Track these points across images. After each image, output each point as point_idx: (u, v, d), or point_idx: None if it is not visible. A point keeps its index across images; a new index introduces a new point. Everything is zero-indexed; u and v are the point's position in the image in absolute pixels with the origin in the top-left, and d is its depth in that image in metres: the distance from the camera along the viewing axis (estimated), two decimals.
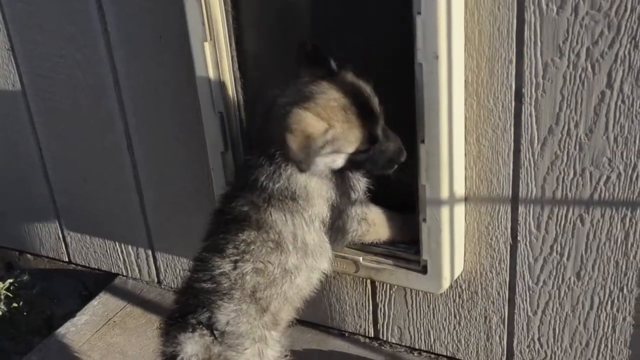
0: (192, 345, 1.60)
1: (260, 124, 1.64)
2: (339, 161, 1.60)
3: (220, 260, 1.62)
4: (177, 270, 2.27)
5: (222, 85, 1.82)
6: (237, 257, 1.61)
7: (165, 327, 1.68)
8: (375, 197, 1.72)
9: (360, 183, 1.69)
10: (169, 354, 1.62)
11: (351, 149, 1.57)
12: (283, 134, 1.51)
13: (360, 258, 1.81)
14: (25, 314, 2.42)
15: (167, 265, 2.30)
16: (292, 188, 1.60)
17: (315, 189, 1.62)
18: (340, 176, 1.64)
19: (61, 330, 2.21)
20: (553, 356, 1.82)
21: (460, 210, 1.72)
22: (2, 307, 2.44)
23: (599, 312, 1.72)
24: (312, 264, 1.67)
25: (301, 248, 1.64)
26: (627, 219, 1.60)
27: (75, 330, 2.21)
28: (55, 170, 2.34)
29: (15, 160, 2.39)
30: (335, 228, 1.69)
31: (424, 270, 1.75)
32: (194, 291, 1.64)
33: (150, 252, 2.30)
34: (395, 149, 1.60)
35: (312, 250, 1.66)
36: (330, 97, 1.54)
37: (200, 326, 1.60)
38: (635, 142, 1.52)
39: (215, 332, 1.60)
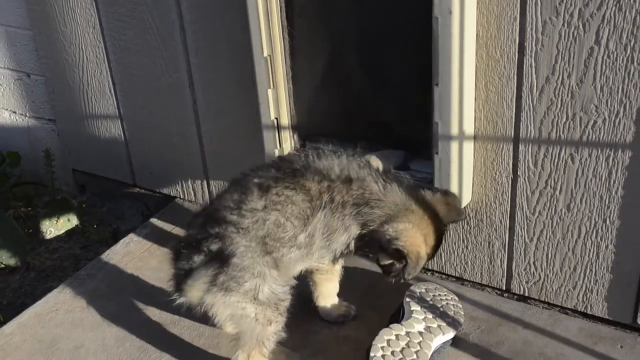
0: (201, 264, 1.80)
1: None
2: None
3: (257, 200, 1.83)
4: None
5: (270, 32, 2.12)
6: (272, 204, 1.83)
7: (178, 250, 1.87)
8: None
9: None
10: (184, 268, 1.81)
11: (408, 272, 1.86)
12: (394, 247, 1.81)
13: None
14: (94, 226, 2.78)
15: (218, 190, 2.61)
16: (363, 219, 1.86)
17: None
18: None
19: (125, 239, 2.56)
20: (546, 279, 2.10)
21: (469, 147, 2.00)
22: (76, 220, 2.80)
23: (586, 240, 1.98)
24: (306, 255, 1.91)
25: (309, 244, 1.88)
26: (611, 159, 1.85)
27: (138, 240, 2.56)
28: (125, 102, 2.67)
29: (91, 91, 2.73)
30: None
31: None
32: (215, 218, 1.84)
33: (204, 178, 2.63)
34: (410, 277, 1.88)
35: (314, 251, 1.90)
36: (437, 223, 1.87)
37: (211, 254, 1.80)
38: (618, 91, 1.77)
39: (222, 261, 1.79)
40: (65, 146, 2.93)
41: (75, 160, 2.95)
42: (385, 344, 1.96)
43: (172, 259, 1.90)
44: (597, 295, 2.03)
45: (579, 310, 2.08)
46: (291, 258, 1.89)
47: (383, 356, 1.94)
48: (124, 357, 2.11)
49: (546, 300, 2.12)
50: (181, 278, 1.83)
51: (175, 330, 2.18)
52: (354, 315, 2.15)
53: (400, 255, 1.83)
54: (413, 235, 1.83)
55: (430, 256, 1.90)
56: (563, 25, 1.77)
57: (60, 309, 2.30)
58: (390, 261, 1.89)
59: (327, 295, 2.14)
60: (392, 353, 1.95)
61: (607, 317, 2.05)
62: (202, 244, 1.82)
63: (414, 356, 1.94)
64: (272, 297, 1.85)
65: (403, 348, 1.96)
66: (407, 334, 1.99)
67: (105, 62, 2.62)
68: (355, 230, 1.88)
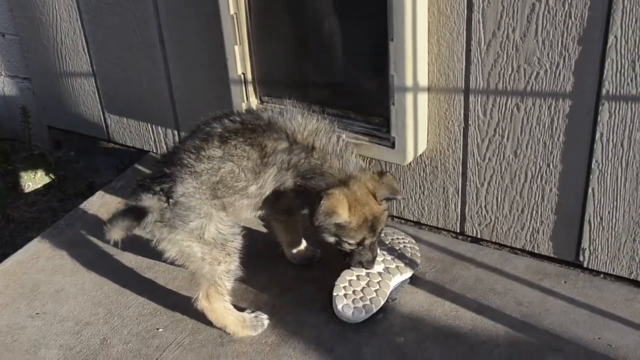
0: (149, 201, 1.92)
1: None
2: (332, 239, 2.03)
3: (217, 149, 1.95)
4: None
5: None
6: (230, 155, 1.95)
7: (133, 188, 2.00)
8: None
9: None
10: (130, 205, 1.94)
11: (347, 240, 2.00)
12: (319, 195, 1.92)
13: (344, 135, 2.24)
14: (71, 180, 2.90)
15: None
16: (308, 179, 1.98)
17: None
18: None
19: (101, 191, 2.68)
20: (496, 221, 2.25)
21: (423, 98, 2.14)
22: (52, 175, 2.91)
23: (532, 184, 2.14)
24: (255, 203, 2.04)
25: (260, 194, 2.02)
26: (553, 107, 2.00)
27: (113, 191, 2.68)
28: (98, 60, 2.76)
29: (65, 50, 2.82)
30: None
31: (392, 145, 2.17)
32: (174, 159, 1.97)
33: (176, 132, 2.75)
34: (369, 259, 2.05)
35: (262, 200, 2.04)
36: (367, 198, 1.97)
37: (161, 193, 1.93)
38: (558, 45, 1.91)
39: (170, 200, 1.91)
40: (41, 104, 3.03)
41: (50, 117, 3.04)
42: (347, 284, 2.12)
43: (126, 197, 2.02)
44: (543, 235, 2.19)
45: (526, 249, 2.24)
46: (243, 204, 2.03)
47: (345, 295, 2.09)
48: (103, 299, 2.25)
49: (497, 241, 2.28)
50: (126, 213, 1.94)
51: (150, 274, 2.31)
52: (318, 259, 2.30)
53: (318, 201, 1.94)
54: (338, 198, 1.94)
55: (358, 225, 1.98)
56: None
57: (41, 256, 2.43)
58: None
59: (291, 242, 2.27)
60: (354, 292, 2.10)
61: (552, 255, 2.21)
62: (154, 183, 1.95)
63: (374, 294, 2.09)
64: (218, 237, 1.97)
65: (363, 287, 2.11)
66: (368, 274, 2.15)
67: (78, 21, 2.72)
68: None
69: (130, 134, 2.86)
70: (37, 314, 2.22)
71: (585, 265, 2.16)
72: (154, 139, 2.81)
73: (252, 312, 2.12)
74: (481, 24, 1.98)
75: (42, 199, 2.85)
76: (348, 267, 2.14)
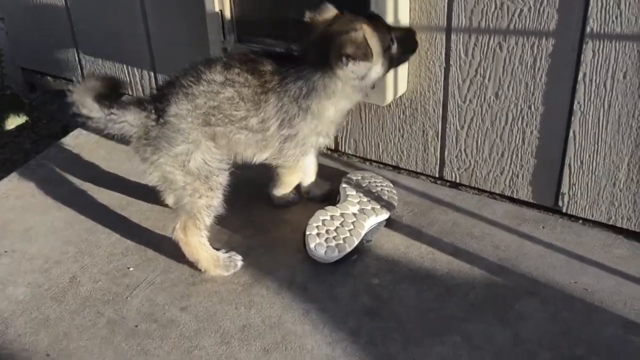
0: (133, 115, 1.89)
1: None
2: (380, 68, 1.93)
3: (218, 74, 1.91)
4: None
5: None
6: (232, 81, 1.91)
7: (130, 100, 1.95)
8: None
9: None
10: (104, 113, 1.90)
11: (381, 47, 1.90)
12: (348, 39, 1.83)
13: None
14: (44, 122, 2.84)
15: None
16: (309, 102, 1.93)
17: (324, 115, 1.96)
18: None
19: (75, 132, 2.63)
20: (476, 165, 2.22)
21: None
22: (26, 117, 2.85)
23: (512, 126, 2.10)
24: (257, 141, 1.99)
25: (263, 129, 1.97)
26: (535, 46, 1.96)
27: (87, 133, 2.63)
28: (75, 3, 2.69)
29: None
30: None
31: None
32: (175, 83, 1.93)
33: (152, 74, 2.69)
34: (411, 35, 1.97)
35: (266, 138, 1.99)
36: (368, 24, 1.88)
37: (152, 111, 1.89)
38: None
39: (160, 119, 1.88)
40: (14, 45, 2.95)
41: (24, 59, 2.98)
42: (320, 224, 2.08)
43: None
44: (522, 180, 2.16)
45: (506, 194, 2.21)
46: (240, 139, 1.97)
47: (318, 234, 2.05)
48: (73, 237, 2.20)
49: (476, 186, 2.25)
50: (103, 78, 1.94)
51: (123, 213, 2.27)
52: (297, 202, 2.26)
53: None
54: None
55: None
56: None
57: (11, 195, 2.38)
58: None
59: (282, 185, 2.21)
60: (327, 231, 2.06)
61: (531, 200, 2.18)
62: (149, 101, 1.92)
63: (348, 234, 2.06)
64: (203, 167, 1.92)
65: (337, 227, 2.08)
66: (342, 214, 2.11)
67: None
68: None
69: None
70: (6, 252, 2.17)
71: (564, 211, 2.14)
72: (130, 80, 2.75)
73: (227, 252, 2.07)
74: None
75: (14, 140, 2.79)
76: (323, 208, 2.11)
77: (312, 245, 2.04)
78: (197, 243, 2.01)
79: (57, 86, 2.95)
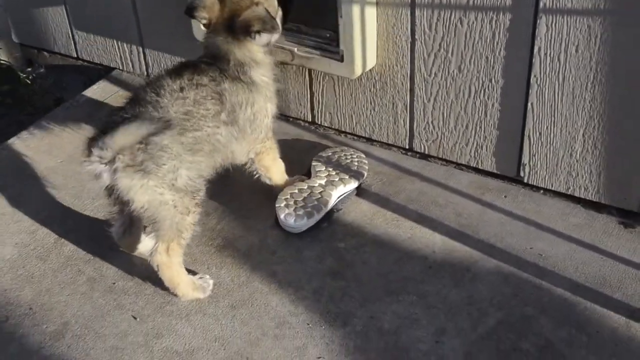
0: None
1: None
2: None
3: (172, 83, 1.92)
4: (162, 65, 2.76)
5: None
6: (189, 84, 1.92)
7: (92, 138, 1.86)
8: None
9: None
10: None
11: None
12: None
13: (295, 48, 2.29)
14: (39, 95, 2.96)
15: (154, 61, 2.79)
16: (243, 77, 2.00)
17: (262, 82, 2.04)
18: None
19: (66, 104, 2.75)
20: (442, 136, 2.31)
21: (371, 12, 2.17)
22: (22, 89, 2.97)
23: (475, 99, 2.19)
24: (234, 134, 2.01)
25: (234, 120, 2.00)
26: (494, 21, 2.04)
27: (78, 104, 2.75)
28: None
29: None
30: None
31: (341, 59, 2.22)
32: (137, 100, 1.92)
33: (141, 49, 2.79)
34: None
35: (239, 126, 2.02)
36: None
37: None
38: None
39: (142, 140, 1.81)
40: (12, 21, 3.07)
41: (21, 35, 3.09)
42: (288, 196, 2.19)
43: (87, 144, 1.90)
44: (486, 151, 2.25)
45: (471, 165, 2.31)
46: (219, 139, 1.98)
47: (287, 205, 2.16)
48: (60, 202, 2.33)
49: (443, 157, 2.34)
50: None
51: None
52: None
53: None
54: None
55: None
56: None
57: (2, 163, 2.50)
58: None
59: (277, 178, 2.25)
60: (295, 202, 2.17)
61: (495, 171, 2.27)
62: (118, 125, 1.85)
63: (315, 202, 2.16)
64: (189, 184, 1.91)
65: (305, 197, 2.18)
66: (309, 187, 2.22)
67: None
68: None
69: (97, 51, 2.91)
70: None
71: (525, 181, 2.23)
72: (120, 56, 2.86)
73: (198, 275, 2.05)
74: None
75: (10, 112, 2.91)
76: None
77: (282, 216, 2.14)
78: (178, 266, 1.98)
79: (52, 61, 3.07)
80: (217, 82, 1.98)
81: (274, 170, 2.23)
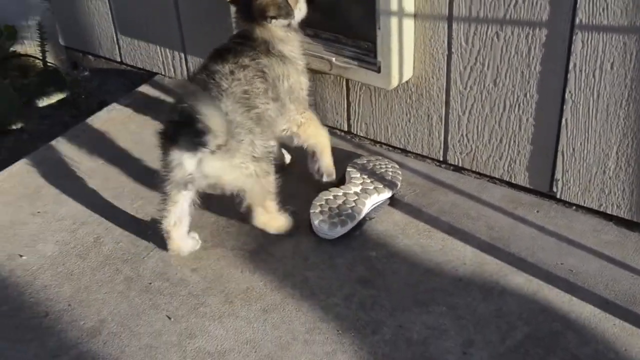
0: (216, 119, 1.90)
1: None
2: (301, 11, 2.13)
3: (222, 66, 2.03)
4: None
5: None
6: (235, 67, 2.03)
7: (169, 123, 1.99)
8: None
9: None
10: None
11: None
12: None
13: (333, 58, 2.32)
14: (83, 97, 3.04)
15: (195, 66, 2.83)
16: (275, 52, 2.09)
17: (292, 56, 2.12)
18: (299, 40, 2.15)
19: (109, 107, 2.82)
20: (476, 150, 2.33)
21: (409, 24, 2.21)
22: (67, 92, 3.05)
23: (510, 113, 2.21)
24: (280, 109, 2.12)
25: (277, 96, 2.09)
26: (530, 36, 2.06)
27: (120, 108, 2.81)
28: None
29: None
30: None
31: (379, 70, 2.25)
32: (204, 87, 2.00)
33: (183, 55, 2.85)
34: None
35: (282, 100, 2.12)
36: None
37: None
38: None
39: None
40: (59, 24, 3.15)
41: (68, 38, 3.17)
42: (323, 202, 2.22)
43: (162, 133, 2.03)
44: (520, 165, 2.26)
45: (504, 179, 2.32)
46: (271, 115, 2.10)
47: (321, 212, 2.20)
48: (100, 202, 2.39)
49: (477, 170, 2.36)
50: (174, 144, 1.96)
51: (148, 182, 2.43)
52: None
53: None
54: None
55: None
56: None
57: (46, 162, 2.57)
58: None
59: (323, 152, 2.31)
60: (329, 209, 2.20)
61: (528, 186, 2.28)
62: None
63: (349, 211, 2.20)
64: (264, 151, 2.06)
65: (339, 205, 2.21)
66: (344, 194, 2.25)
67: None
68: None
69: (140, 56, 2.98)
70: (39, 212, 2.36)
71: (558, 197, 2.24)
72: (163, 61, 2.93)
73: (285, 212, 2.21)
74: None
75: (55, 113, 2.99)
76: (327, 188, 2.25)
77: (316, 222, 2.18)
78: (276, 213, 2.16)
79: (98, 64, 3.14)
80: (257, 61, 2.07)
81: (320, 133, 2.28)
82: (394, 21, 2.15)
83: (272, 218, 2.17)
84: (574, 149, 2.13)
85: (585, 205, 2.20)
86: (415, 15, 2.21)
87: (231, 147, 1.95)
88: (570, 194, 2.21)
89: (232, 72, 2.03)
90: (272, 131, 2.15)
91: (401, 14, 2.15)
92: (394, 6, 2.13)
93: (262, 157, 2.05)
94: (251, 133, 2.02)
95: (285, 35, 2.11)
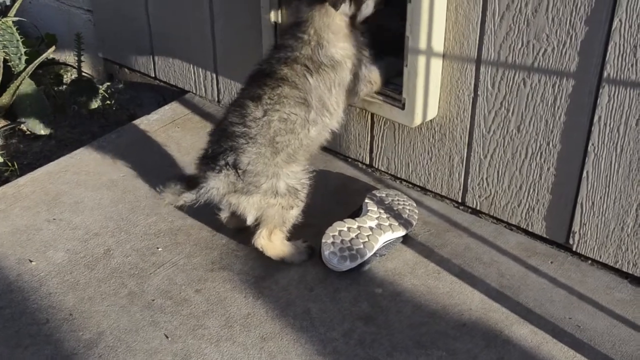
0: (215, 181, 2.04)
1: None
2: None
3: (255, 110, 2.06)
4: (233, 92, 2.83)
5: None
6: (270, 107, 2.06)
7: (198, 166, 2.12)
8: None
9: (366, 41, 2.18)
10: (185, 174, 2.11)
11: None
12: None
13: None
14: (114, 109, 3.07)
15: (225, 88, 2.87)
16: (324, 58, 2.08)
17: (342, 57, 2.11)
18: (354, 38, 2.13)
19: (137, 121, 2.84)
20: (496, 195, 2.29)
21: (437, 63, 2.19)
22: (99, 102, 3.09)
23: (531, 161, 2.17)
24: (327, 122, 2.16)
25: (321, 107, 2.12)
26: (557, 86, 2.03)
27: (148, 122, 2.84)
28: (154, 2, 2.91)
29: None
30: (349, 90, 2.19)
31: (403, 106, 2.24)
32: (227, 134, 2.07)
33: (214, 76, 2.87)
34: None
35: (329, 111, 2.15)
36: None
37: (227, 167, 2.05)
38: (566, 23, 1.94)
39: (238, 170, 2.04)
40: (99, 36, 3.20)
41: (106, 50, 3.22)
42: (336, 233, 2.20)
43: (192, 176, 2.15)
44: (537, 214, 2.22)
45: (521, 227, 2.28)
46: (313, 135, 2.13)
47: (333, 243, 2.18)
48: (115, 214, 2.40)
49: (494, 215, 2.32)
50: (180, 179, 2.14)
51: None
52: None
53: None
54: None
55: None
56: None
57: (69, 170, 2.60)
58: None
59: None
60: (342, 241, 2.18)
61: (544, 235, 2.24)
62: (218, 158, 2.06)
63: (361, 245, 2.17)
64: (290, 188, 2.11)
65: (352, 238, 2.19)
66: (359, 227, 2.23)
67: None
68: None
69: (174, 73, 3.01)
70: (54, 219, 2.38)
71: (574, 249, 2.19)
72: (195, 80, 2.95)
73: (302, 240, 2.24)
74: None
75: (85, 122, 3.03)
76: (341, 219, 2.24)
77: (325, 253, 2.16)
78: (280, 242, 2.18)
79: (132, 78, 3.18)
80: (300, 82, 2.07)
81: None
82: (421, 60, 2.14)
83: (272, 246, 2.18)
84: (593, 203, 2.08)
85: (600, 260, 2.15)
86: (443, 55, 2.19)
87: (248, 191, 2.08)
88: (587, 247, 2.16)
89: (265, 113, 2.05)
90: (316, 146, 2.19)
91: (430, 53, 2.14)
92: (423, 45, 2.11)
93: (288, 193, 2.11)
94: (273, 177, 2.08)
95: (341, 28, 2.09)
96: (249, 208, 2.11)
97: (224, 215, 2.25)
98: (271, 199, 2.09)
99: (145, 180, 2.53)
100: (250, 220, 2.15)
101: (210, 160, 2.08)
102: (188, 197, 2.09)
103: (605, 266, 2.16)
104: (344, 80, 2.14)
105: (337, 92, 2.14)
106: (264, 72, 2.12)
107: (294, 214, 2.15)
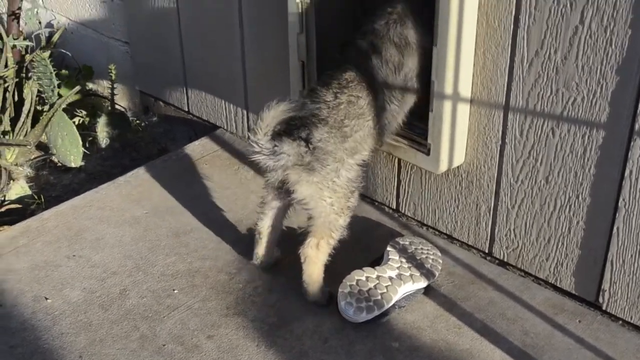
0: (289, 147, 1.99)
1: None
2: None
3: (326, 93, 2.08)
4: None
5: None
6: (340, 90, 2.07)
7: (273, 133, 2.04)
8: None
9: None
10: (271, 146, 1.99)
11: None
12: None
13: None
14: (146, 142, 3.07)
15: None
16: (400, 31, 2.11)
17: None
18: None
19: (165, 156, 2.83)
20: (523, 247, 2.19)
21: (464, 109, 2.11)
22: (131, 135, 3.08)
23: (560, 213, 2.07)
24: (402, 99, 2.15)
25: (402, 83, 2.12)
26: (587, 137, 1.93)
27: (177, 158, 2.81)
28: (188, 38, 2.90)
29: (160, 20, 2.99)
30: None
31: (428, 152, 2.17)
32: (306, 111, 2.07)
33: (245, 113, 2.84)
34: None
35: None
36: None
37: (300, 140, 2.02)
38: (597, 72, 1.85)
39: (309, 145, 2.03)
40: (136, 69, 3.21)
41: (143, 83, 3.22)
42: (354, 283, 2.13)
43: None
44: (566, 269, 2.12)
45: (549, 282, 2.17)
46: (388, 117, 2.16)
47: (350, 293, 2.10)
48: (134, 254, 2.37)
49: (522, 268, 2.22)
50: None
51: (185, 238, 2.42)
52: None
53: None
54: None
55: None
56: (553, 2, 1.86)
57: (94, 205, 2.59)
58: None
59: None
60: (359, 291, 2.11)
61: (573, 292, 2.13)
62: (294, 130, 2.04)
63: (379, 297, 2.10)
64: (347, 185, 2.08)
65: (370, 289, 2.11)
66: (378, 277, 2.15)
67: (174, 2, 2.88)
68: None
69: (206, 109, 2.99)
70: (74, 256, 2.37)
71: (603, 308, 2.07)
72: (226, 116, 2.92)
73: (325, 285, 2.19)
74: (525, 41, 1.95)
75: (116, 155, 3.02)
76: (362, 267, 2.16)
77: (342, 303, 2.09)
78: (321, 264, 2.13)
79: (166, 111, 3.17)
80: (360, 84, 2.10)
81: None
82: (447, 105, 2.06)
83: (316, 261, 2.12)
84: (623, 260, 1.97)
85: (632, 321, 2.03)
86: (471, 101, 2.11)
87: (312, 167, 2.03)
88: (617, 307, 2.04)
89: (335, 96, 2.07)
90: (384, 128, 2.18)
91: (456, 98, 2.07)
92: (449, 90, 2.04)
93: (342, 191, 2.07)
94: (339, 162, 2.06)
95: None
96: (306, 188, 2.05)
97: (273, 178, 2.11)
98: (326, 189, 2.05)
99: (168, 219, 2.51)
100: (298, 198, 2.08)
101: (284, 133, 2.04)
102: (266, 141, 1.97)
103: (636, 328, 2.04)
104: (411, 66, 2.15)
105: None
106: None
107: (341, 223, 2.10)
